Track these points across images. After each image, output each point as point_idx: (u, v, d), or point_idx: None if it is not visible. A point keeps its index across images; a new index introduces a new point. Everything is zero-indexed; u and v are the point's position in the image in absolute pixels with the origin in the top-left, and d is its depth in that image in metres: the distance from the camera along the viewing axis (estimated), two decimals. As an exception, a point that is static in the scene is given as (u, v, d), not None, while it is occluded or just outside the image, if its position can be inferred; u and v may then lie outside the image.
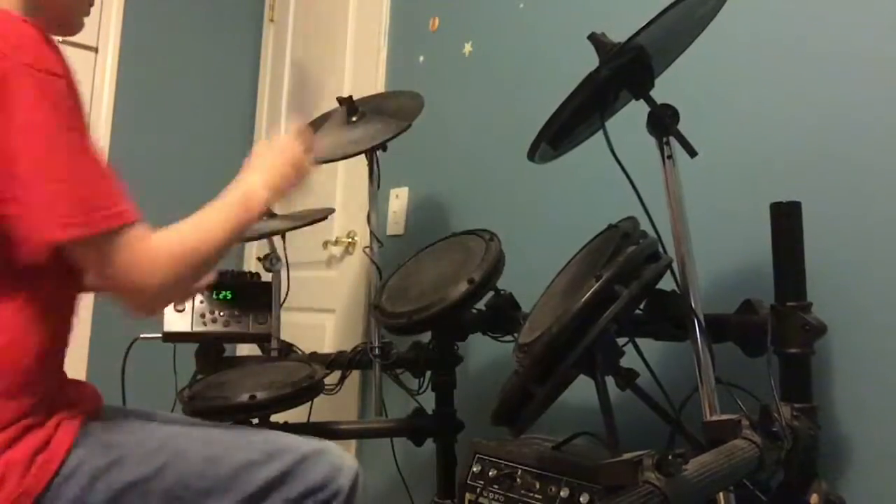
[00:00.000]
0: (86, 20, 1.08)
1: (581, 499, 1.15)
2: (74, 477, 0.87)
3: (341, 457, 1.01)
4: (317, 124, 1.88)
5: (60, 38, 1.03)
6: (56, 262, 0.87)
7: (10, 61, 0.81)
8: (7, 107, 0.81)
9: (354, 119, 1.79)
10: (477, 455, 1.34)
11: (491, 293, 1.48)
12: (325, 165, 1.90)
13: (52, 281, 0.92)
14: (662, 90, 1.12)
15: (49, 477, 0.86)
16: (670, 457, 0.76)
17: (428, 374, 1.66)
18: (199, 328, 1.77)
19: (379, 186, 1.83)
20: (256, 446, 0.98)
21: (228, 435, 1.01)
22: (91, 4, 1.08)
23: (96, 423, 0.94)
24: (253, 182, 1.05)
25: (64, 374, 0.99)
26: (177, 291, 0.96)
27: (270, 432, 1.05)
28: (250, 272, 1.95)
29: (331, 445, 1.01)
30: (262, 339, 1.83)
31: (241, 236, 1.02)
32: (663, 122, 1.09)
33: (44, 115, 0.83)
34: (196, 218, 0.97)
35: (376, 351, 1.69)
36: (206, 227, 0.97)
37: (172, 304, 1.72)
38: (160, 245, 0.90)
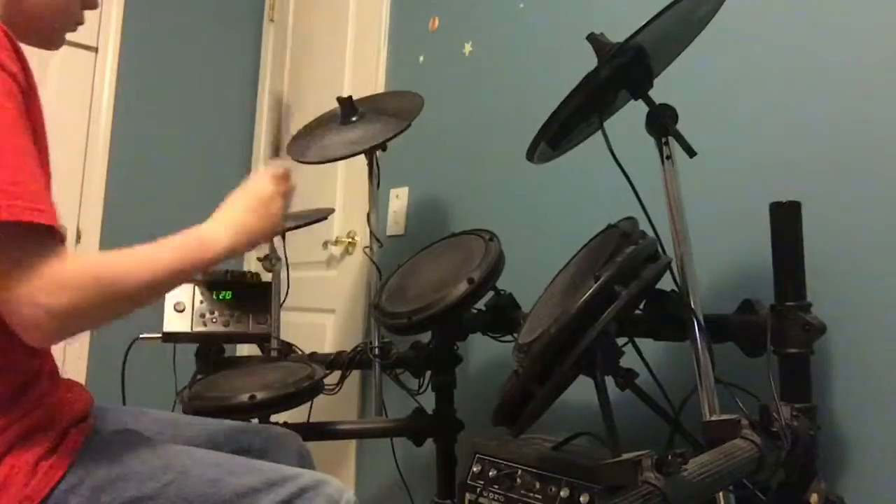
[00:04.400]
0: (86, 20, 1.07)
1: (581, 499, 1.15)
2: (79, 488, 0.87)
3: (339, 490, 1.01)
4: (316, 124, 1.89)
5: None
6: None
7: None
8: None
9: (354, 119, 1.79)
10: (477, 455, 1.34)
11: (491, 293, 1.48)
12: (325, 165, 1.90)
13: None
14: (661, 90, 1.12)
15: (52, 484, 0.86)
16: (670, 457, 0.76)
17: (428, 374, 1.66)
18: (199, 328, 1.77)
19: (379, 186, 1.83)
20: (259, 474, 0.98)
21: (232, 460, 1.01)
22: (79, 23, 1.06)
23: (103, 434, 0.94)
24: (215, 228, 0.98)
25: (56, 371, 0.99)
26: (85, 321, 0.84)
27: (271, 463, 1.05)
28: (250, 272, 1.95)
29: (330, 479, 1.02)
30: (262, 339, 1.83)
31: (184, 278, 0.94)
32: (662, 123, 1.09)
33: None
34: (137, 249, 0.89)
35: (376, 351, 1.69)
36: (142, 259, 0.88)
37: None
38: (76, 266, 0.81)
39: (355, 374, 2.03)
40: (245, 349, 2.51)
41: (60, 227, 0.82)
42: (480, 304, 1.49)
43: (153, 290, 0.90)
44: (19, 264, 0.77)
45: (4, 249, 0.77)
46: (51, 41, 1.04)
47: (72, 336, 0.83)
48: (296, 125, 1.95)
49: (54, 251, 0.80)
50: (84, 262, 0.84)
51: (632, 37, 0.99)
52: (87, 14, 1.08)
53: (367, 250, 1.82)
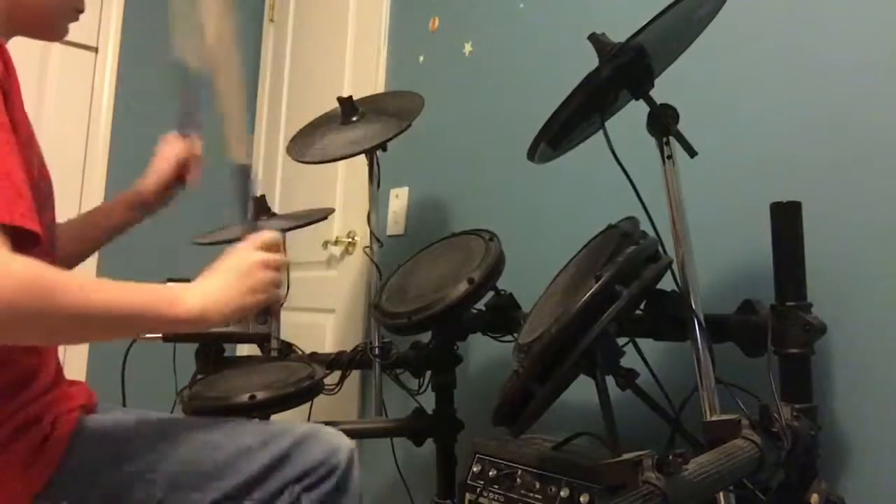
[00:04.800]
0: (86, 20, 1.07)
1: (581, 499, 1.15)
2: (77, 472, 0.87)
3: (337, 436, 1.02)
4: (316, 124, 1.89)
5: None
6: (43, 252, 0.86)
7: None
8: None
9: (354, 119, 1.79)
10: (477, 455, 1.34)
11: (491, 293, 1.48)
12: (325, 165, 1.90)
13: None
14: (662, 90, 1.12)
15: (48, 475, 0.86)
16: (670, 457, 0.76)
17: (428, 374, 1.66)
18: (199, 328, 1.76)
19: (379, 186, 1.83)
20: (253, 432, 0.98)
21: (225, 423, 1.02)
22: (80, 11, 1.06)
23: (93, 417, 0.94)
24: (192, 292, 0.89)
25: (59, 371, 0.99)
26: (11, 321, 0.73)
27: (265, 421, 1.06)
28: (250, 272, 1.95)
29: (325, 428, 1.02)
30: (262, 339, 1.83)
31: (141, 327, 0.89)
32: (663, 123, 1.09)
33: None
34: (104, 279, 0.82)
35: (376, 351, 1.69)
36: (101, 288, 0.80)
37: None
38: (19, 268, 0.73)
39: (355, 374, 2.03)
40: (245, 349, 2.51)
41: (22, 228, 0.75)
42: (480, 304, 1.49)
43: (99, 322, 0.81)
44: None
45: None
46: (53, 31, 1.04)
47: None
48: (296, 125, 1.95)
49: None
50: (35, 264, 0.75)
51: (633, 37, 0.99)
52: (87, 15, 1.08)
53: (367, 250, 1.82)
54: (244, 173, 1.05)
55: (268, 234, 0.99)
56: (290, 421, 1.41)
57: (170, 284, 0.91)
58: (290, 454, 0.97)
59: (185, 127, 1.07)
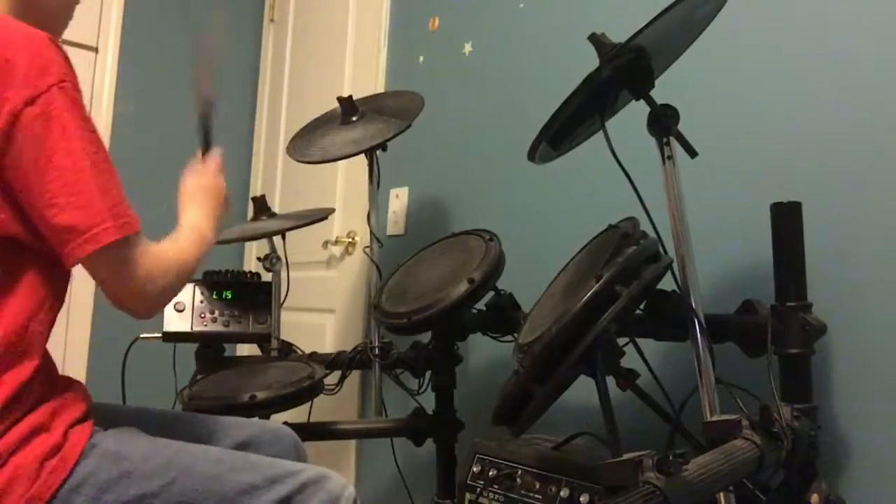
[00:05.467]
0: (86, 20, 1.10)
1: (581, 499, 1.15)
2: (83, 487, 0.88)
3: (341, 485, 1.01)
4: (316, 124, 1.89)
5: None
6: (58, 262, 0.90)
7: (45, 82, 0.87)
8: (48, 125, 0.86)
9: (354, 119, 1.79)
10: (477, 455, 1.34)
11: (491, 293, 1.48)
12: (324, 165, 1.90)
13: (52, 279, 0.94)
14: (662, 90, 1.12)
15: (58, 485, 0.86)
16: (671, 457, 0.76)
17: (428, 374, 1.66)
18: (199, 328, 1.77)
19: (379, 186, 1.83)
20: (260, 470, 0.98)
21: (234, 456, 1.02)
22: (76, 3, 1.11)
23: (106, 432, 0.94)
24: (204, 224, 1.12)
25: (55, 372, 0.99)
26: (172, 295, 1.03)
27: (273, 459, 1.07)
28: (250, 272, 1.95)
29: (331, 474, 1.02)
30: (262, 339, 1.83)
31: (202, 262, 1.09)
32: (663, 123, 1.09)
33: (77, 131, 0.89)
34: (173, 240, 1.05)
35: (376, 351, 1.69)
36: (182, 245, 1.05)
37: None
38: (160, 252, 0.98)
39: (355, 374, 2.03)
40: (245, 349, 2.51)
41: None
42: (480, 304, 1.49)
43: (195, 269, 1.05)
44: (127, 264, 0.92)
45: (115, 258, 0.91)
46: (62, 28, 1.09)
47: (164, 306, 1.05)
48: (296, 125, 1.95)
49: (144, 243, 0.95)
50: (162, 247, 1.00)
51: (633, 37, 0.99)
52: (87, 14, 1.10)
53: (367, 250, 1.82)
54: (208, 105, 1.23)
55: (219, 157, 1.21)
56: (291, 420, 1.42)
57: (190, 221, 1.11)
58: (293, 499, 0.97)
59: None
